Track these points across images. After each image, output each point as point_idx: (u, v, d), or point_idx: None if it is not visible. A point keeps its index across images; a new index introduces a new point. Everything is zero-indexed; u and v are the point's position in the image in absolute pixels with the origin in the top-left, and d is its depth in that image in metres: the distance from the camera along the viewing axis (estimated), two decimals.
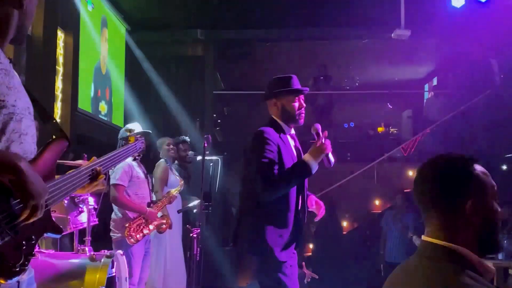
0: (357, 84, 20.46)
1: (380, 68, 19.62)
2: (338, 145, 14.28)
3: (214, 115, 17.59)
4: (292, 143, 5.36)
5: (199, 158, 11.04)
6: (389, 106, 20.76)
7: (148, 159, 9.93)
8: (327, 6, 14.70)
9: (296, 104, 5.34)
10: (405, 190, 12.97)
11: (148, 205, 7.79)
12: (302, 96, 5.41)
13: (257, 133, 5.09)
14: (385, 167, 14.95)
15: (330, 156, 5.10)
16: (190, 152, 10.62)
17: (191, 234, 7.71)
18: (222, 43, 16.84)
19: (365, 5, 14.22)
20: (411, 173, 14.96)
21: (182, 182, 8.57)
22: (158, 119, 15.45)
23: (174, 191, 8.39)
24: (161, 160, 9.25)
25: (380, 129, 20.11)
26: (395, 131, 19.86)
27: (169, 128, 14.93)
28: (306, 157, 5.05)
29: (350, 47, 17.59)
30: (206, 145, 7.48)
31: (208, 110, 16.63)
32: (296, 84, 5.41)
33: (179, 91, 16.43)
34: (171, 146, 9.29)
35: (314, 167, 5.02)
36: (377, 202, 15.36)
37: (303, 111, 5.39)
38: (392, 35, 13.15)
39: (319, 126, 5.19)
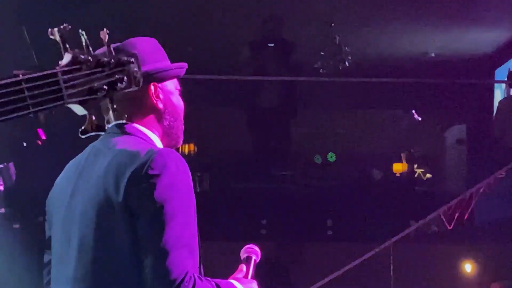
0: (346, 63, 9.12)
1: (399, 30, 9.55)
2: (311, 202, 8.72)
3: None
4: None
5: None
6: (417, 116, 10.18)
7: None
8: None
9: (180, 101, 2.62)
10: None
11: None
12: None
13: (164, 157, 2.31)
14: (410, 251, 7.84)
15: None
16: None
17: None
18: None
19: None
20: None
21: None
22: None
23: None
24: None
25: (397, 168, 9.82)
26: (428, 175, 9.87)
27: None
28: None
29: None
30: None
31: None
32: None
33: None
34: None
35: None
36: None
37: None
38: None
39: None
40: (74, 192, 2.46)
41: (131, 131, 2.49)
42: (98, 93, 1.59)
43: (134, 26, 8.03)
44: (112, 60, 1.62)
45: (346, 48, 9.14)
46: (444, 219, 7.36)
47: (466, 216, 7.34)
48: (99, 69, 1.60)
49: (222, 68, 9.24)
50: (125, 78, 1.64)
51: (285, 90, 9.41)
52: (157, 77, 2.54)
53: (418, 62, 9.85)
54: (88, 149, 2.52)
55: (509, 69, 9.79)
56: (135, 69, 1.68)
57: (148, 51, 2.53)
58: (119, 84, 1.62)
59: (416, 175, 9.73)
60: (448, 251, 8.10)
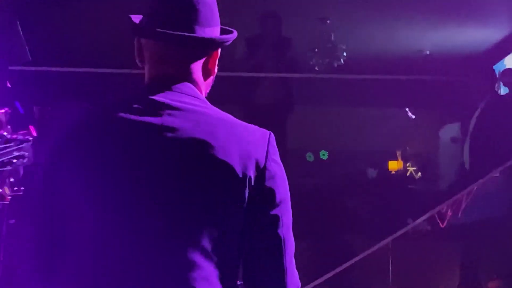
0: (342, 61, 9.26)
1: (394, 27, 9.53)
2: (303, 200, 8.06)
3: None
4: None
5: None
6: (410, 114, 10.26)
7: None
8: None
9: None
10: None
11: None
12: None
13: (275, 141, 2.26)
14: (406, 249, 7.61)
15: None
16: None
17: None
18: None
19: None
20: None
21: None
22: None
23: None
24: None
25: (392, 166, 9.72)
26: (419, 174, 9.71)
27: None
28: None
29: None
30: None
31: None
32: None
33: None
34: None
35: None
36: None
37: None
38: None
39: None
40: (144, 157, 2.05)
41: (199, 96, 2.21)
42: (8, 166, 1.83)
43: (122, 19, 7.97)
44: (16, 137, 1.90)
45: (341, 45, 9.08)
46: (437, 217, 7.34)
47: (459, 214, 7.32)
48: (9, 145, 1.84)
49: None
50: (26, 154, 1.89)
51: (279, 87, 9.31)
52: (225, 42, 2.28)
53: (412, 59, 9.80)
54: (146, 101, 2.10)
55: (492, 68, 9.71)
56: (30, 148, 1.95)
57: None
58: (21, 159, 1.88)
59: (408, 174, 9.67)
60: (444, 249, 8.07)
